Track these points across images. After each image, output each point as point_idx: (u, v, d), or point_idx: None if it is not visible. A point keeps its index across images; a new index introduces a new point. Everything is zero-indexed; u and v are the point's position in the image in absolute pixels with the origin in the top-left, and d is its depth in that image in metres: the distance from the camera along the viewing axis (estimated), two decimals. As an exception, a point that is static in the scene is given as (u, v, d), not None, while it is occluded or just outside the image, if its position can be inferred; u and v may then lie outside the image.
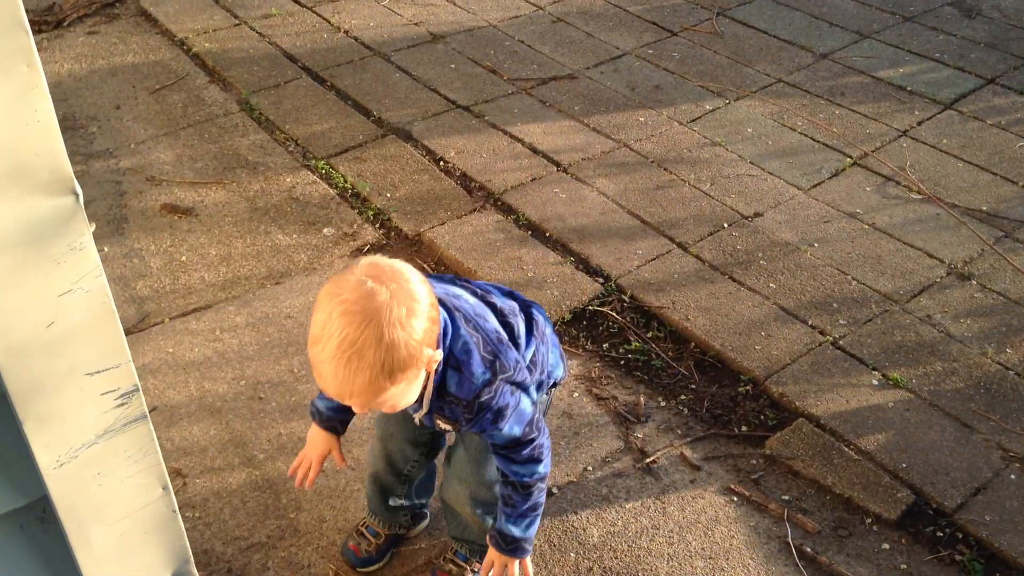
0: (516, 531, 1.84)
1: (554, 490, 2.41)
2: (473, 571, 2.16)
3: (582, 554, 2.26)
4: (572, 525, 2.32)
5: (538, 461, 1.78)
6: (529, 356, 1.81)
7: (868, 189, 3.55)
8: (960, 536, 2.32)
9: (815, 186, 3.57)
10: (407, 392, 1.55)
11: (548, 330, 1.92)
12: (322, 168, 3.62)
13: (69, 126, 3.83)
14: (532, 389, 1.76)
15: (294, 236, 3.27)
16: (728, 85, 4.21)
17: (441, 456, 2.12)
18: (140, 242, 3.22)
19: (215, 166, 3.63)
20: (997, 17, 4.88)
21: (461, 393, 1.64)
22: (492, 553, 1.89)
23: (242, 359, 2.77)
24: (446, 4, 4.94)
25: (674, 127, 3.88)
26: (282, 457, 2.47)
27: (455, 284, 1.81)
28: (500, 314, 1.77)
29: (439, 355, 1.57)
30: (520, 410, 1.70)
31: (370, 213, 3.38)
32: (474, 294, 1.78)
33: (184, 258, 3.16)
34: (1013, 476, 2.44)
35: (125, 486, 1.17)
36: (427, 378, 1.60)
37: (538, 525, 1.87)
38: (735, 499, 2.41)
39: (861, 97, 4.15)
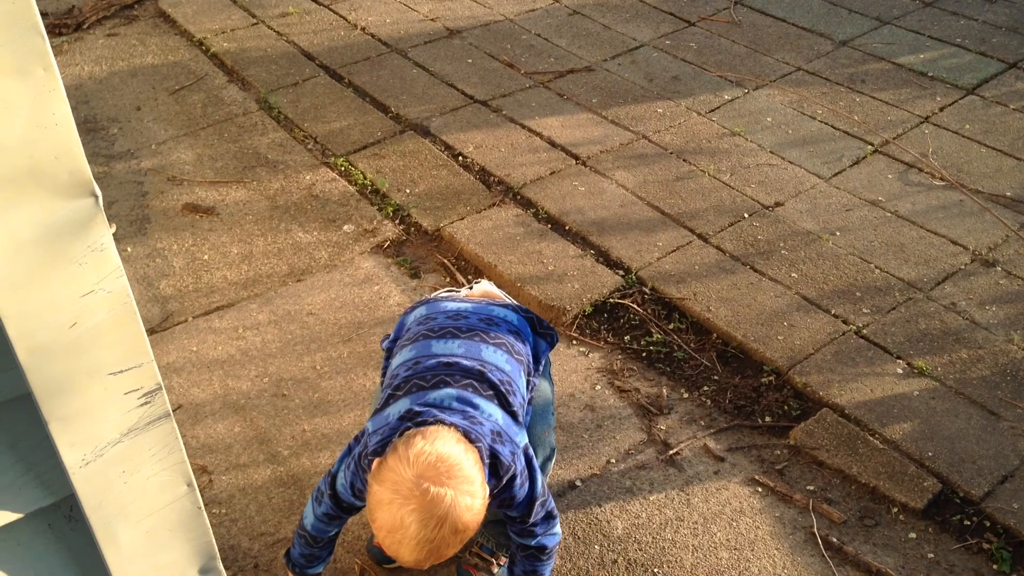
0: None
1: (577, 483, 2.41)
2: (499, 564, 2.17)
3: (607, 546, 2.26)
4: (596, 518, 2.32)
5: (554, 517, 1.86)
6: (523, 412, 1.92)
7: (890, 176, 3.52)
8: (987, 525, 2.30)
9: (836, 174, 3.54)
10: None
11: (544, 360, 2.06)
12: (341, 165, 3.63)
13: (90, 128, 3.87)
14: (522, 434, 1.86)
15: (314, 233, 3.28)
16: (747, 74, 4.19)
17: None
18: (162, 242, 3.24)
19: (235, 165, 3.65)
20: (1018, 1, 4.81)
21: (498, 481, 1.73)
22: None
23: (265, 357, 2.79)
24: (462, -1, 4.94)
25: (693, 118, 3.87)
26: (306, 453, 2.48)
27: (450, 370, 1.84)
28: (501, 397, 1.83)
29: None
30: (523, 474, 1.78)
31: (390, 209, 3.39)
32: (480, 378, 1.83)
33: (206, 257, 3.18)
34: (1041, 464, 2.42)
35: (150, 484, 1.18)
36: None
37: None
38: (759, 490, 2.40)
39: (882, 84, 4.11)
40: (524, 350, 1.97)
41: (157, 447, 1.15)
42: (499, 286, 3.04)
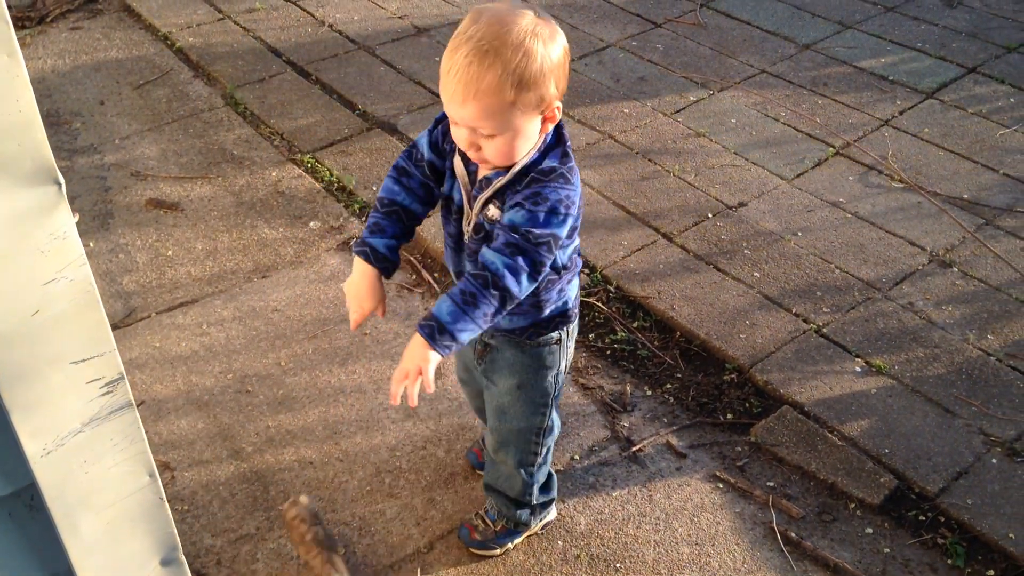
0: (443, 308, 1.61)
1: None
2: (498, 533, 2.22)
3: (569, 542, 2.27)
4: (560, 513, 2.34)
5: (517, 272, 1.60)
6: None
7: (851, 178, 3.58)
8: (942, 520, 2.35)
9: (798, 176, 3.59)
10: (519, 135, 1.58)
11: None
12: (308, 162, 3.62)
13: (53, 122, 3.82)
14: (565, 233, 1.66)
15: (280, 230, 3.27)
16: (712, 76, 4.23)
17: None
18: (126, 237, 3.21)
19: (200, 161, 3.63)
20: (978, 6, 4.90)
21: (543, 167, 1.64)
22: (409, 347, 1.65)
23: (229, 353, 2.78)
24: (430, -3, 4.95)
25: (658, 118, 3.90)
26: (270, 450, 2.47)
27: None
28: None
29: (559, 111, 1.62)
30: (554, 213, 1.61)
31: (356, 206, 3.38)
32: None
33: (170, 253, 3.16)
34: (994, 460, 2.47)
35: (112, 474, 1.18)
36: (536, 141, 1.64)
37: (467, 334, 1.63)
38: (720, 486, 2.43)
39: (843, 87, 4.17)
40: None
41: (119, 437, 1.15)
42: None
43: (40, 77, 4.13)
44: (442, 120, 1.79)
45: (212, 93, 4.06)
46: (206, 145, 3.72)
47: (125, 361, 2.70)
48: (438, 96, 3.98)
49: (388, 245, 1.78)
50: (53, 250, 1.01)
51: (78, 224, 1.03)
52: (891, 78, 4.25)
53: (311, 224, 3.30)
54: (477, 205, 1.71)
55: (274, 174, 3.56)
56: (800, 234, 3.27)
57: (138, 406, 2.53)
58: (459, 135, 1.62)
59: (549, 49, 1.54)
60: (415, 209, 1.83)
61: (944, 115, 3.98)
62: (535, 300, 1.80)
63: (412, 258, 3.15)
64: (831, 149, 3.74)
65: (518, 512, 2.18)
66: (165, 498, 1.20)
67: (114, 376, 1.11)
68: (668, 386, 2.73)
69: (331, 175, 3.54)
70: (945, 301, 2.99)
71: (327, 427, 2.55)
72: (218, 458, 2.45)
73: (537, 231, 1.60)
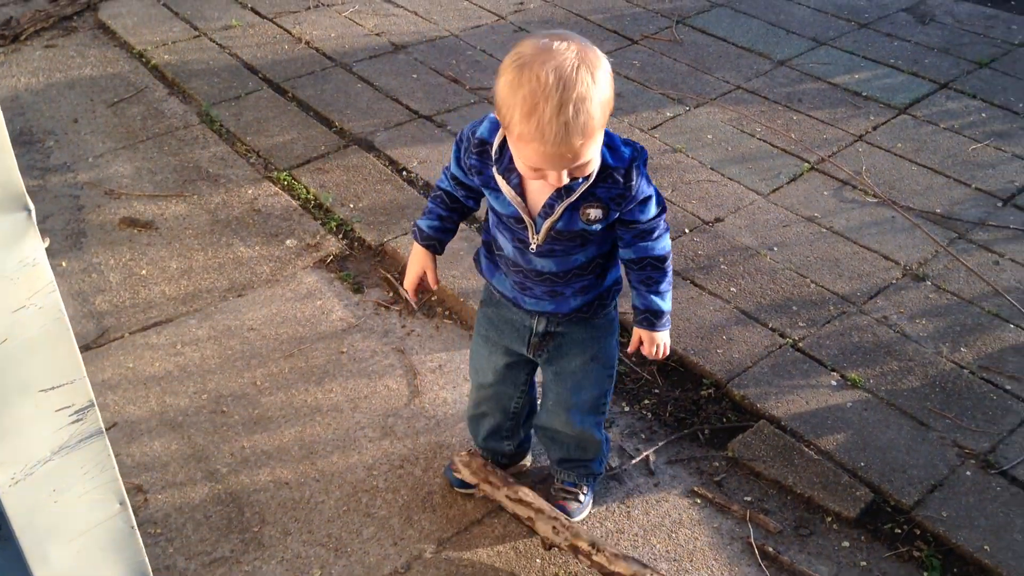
0: (664, 305, 1.99)
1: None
2: (583, 493, 2.35)
3: (548, 560, 2.27)
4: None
5: (666, 232, 1.95)
6: None
7: (825, 193, 3.60)
8: (918, 532, 2.36)
9: (774, 191, 3.61)
10: (598, 150, 1.71)
11: None
12: (284, 179, 3.61)
13: (26, 140, 3.80)
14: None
15: (256, 248, 3.26)
16: (688, 92, 4.26)
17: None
18: (99, 256, 3.19)
19: (175, 179, 3.61)
20: (950, 23, 4.97)
21: (617, 161, 1.78)
22: (641, 332, 2.03)
23: (204, 373, 2.76)
24: (408, 14, 4.95)
25: (635, 134, 3.92)
26: (245, 470, 2.46)
27: None
28: None
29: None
30: (658, 196, 1.89)
31: (333, 224, 3.37)
32: None
33: (144, 272, 3.14)
34: (969, 473, 2.49)
35: (82, 503, 1.16)
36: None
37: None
38: (698, 501, 2.44)
39: (818, 103, 4.21)
40: None
41: (89, 465, 1.14)
42: (442, 301, 3.05)
43: (13, 95, 4.11)
44: (467, 156, 1.91)
45: (187, 111, 4.05)
46: (181, 163, 3.70)
47: (97, 382, 2.69)
48: (416, 113, 4.02)
49: (432, 226, 2.08)
50: (22, 277, 1.00)
51: (49, 245, 1.02)
52: (864, 94, 4.29)
53: (287, 242, 3.29)
54: (559, 211, 1.81)
55: (250, 192, 3.54)
56: (776, 249, 3.29)
57: (111, 428, 2.52)
58: (554, 175, 1.69)
59: (601, 62, 1.62)
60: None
61: (917, 130, 4.02)
62: (602, 271, 2.00)
63: (390, 276, 3.15)
64: (806, 164, 3.77)
65: (593, 466, 2.34)
66: (136, 526, 1.19)
67: (84, 404, 1.10)
68: (646, 402, 2.73)
69: (308, 192, 3.54)
70: (919, 315, 3.02)
71: (303, 447, 2.54)
72: (192, 480, 2.43)
73: (657, 214, 1.90)
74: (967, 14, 5.07)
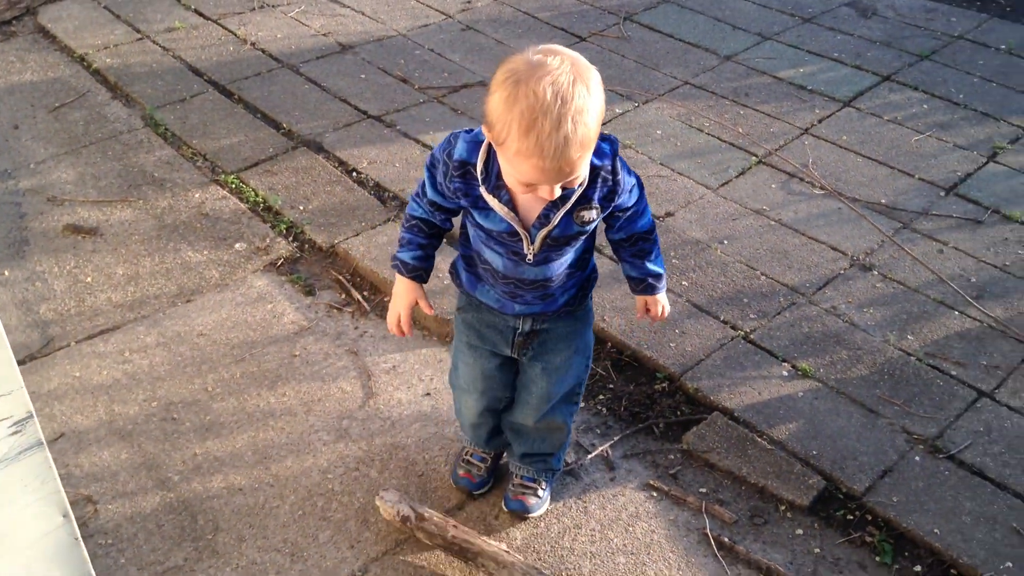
0: (660, 268, 2.09)
1: (476, 493, 2.41)
2: (542, 488, 2.37)
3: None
4: (495, 529, 2.33)
5: (648, 206, 2.01)
6: None
7: (773, 186, 3.64)
8: (869, 518, 2.40)
9: (723, 185, 3.65)
10: (589, 161, 1.72)
11: None
12: (232, 182, 3.57)
13: (-36, 148, 3.71)
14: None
15: (205, 252, 3.22)
16: (636, 88, 4.28)
17: None
18: (43, 264, 3.13)
19: (120, 184, 3.55)
20: (892, 16, 5.05)
21: (604, 160, 1.80)
22: (645, 299, 2.14)
23: (153, 380, 2.72)
24: (355, 14, 4.92)
25: (584, 131, 3.92)
26: (197, 478, 2.42)
27: None
28: None
29: None
30: (636, 177, 1.92)
31: (283, 226, 3.34)
32: None
33: (89, 279, 3.08)
34: (917, 458, 2.53)
35: (24, 515, 1.14)
36: None
37: None
38: (654, 494, 2.45)
39: (764, 97, 4.26)
40: None
41: (30, 477, 1.11)
42: (430, 304, 3.02)
43: (-50, 101, 4.01)
44: (441, 178, 1.89)
45: (131, 114, 3.98)
46: (125, 168, 3.64)
47: (43, 392, 2.64)
48: (365, 113, 3.99)
49: (416, 256, 2.07)
50: (-49, 286, 0.97)
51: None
52: (810, 88, 4.35)
53: (236, 246, 3.25)
54: (556, 220, 1.81)
55: (197, 196, 3.50)
56: (726, 242, 3.32)
57: (58, 439, 2.47)
58: (547, 190, 1.68)
59: (592, 74, 1.61)
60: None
61: (861, 123, 4.08)
62: (585, 260, 2.03)
63: (341, 277, 3.12)
64: (754, 158, 3.81)
65: (553, 461, 2.36)
66: (80, 538, 1.17)
67: (23, 415, 1.07)
68: (600, 397, 2.74)
69: (256, 195, 3.50)
70: (866, 304, 3.06)
71: (256, 452, 2.51)
72: (143, 489, 2.39)
73: (641, 196, 1.97)
74: (908, 7, 5.16)
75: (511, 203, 1.80)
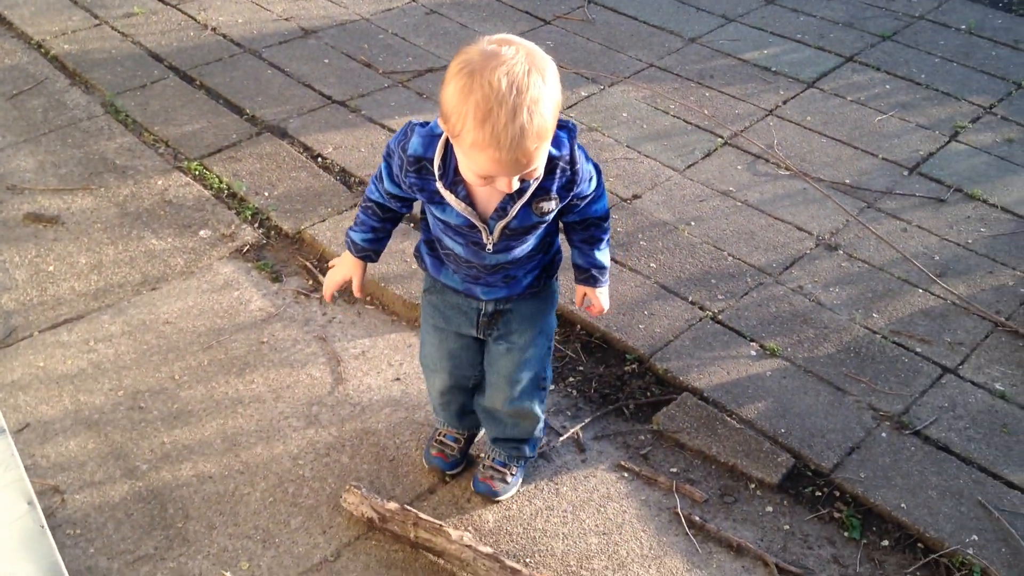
0: (606, 260, 2.09)
1: (447, 477, 2.41)
2: (512, 474, 2.37)
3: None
4: (467, 511, 2.33)
5: (605, 192, 1.99)
6: None
7: (739, 167, 3.66)
8: (838, 494, 2.42)
9: (689, 167, 3.66)
10: (547, 151, 1.69)
11: None
12: (195, 169, 3.52)
13: (-81, 136, 3.63)
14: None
15: (169, 240, 3.18)
16: (602, 71, 4.28)
17: None
18: (3, 254, 3.07)
19: (80, 172, 3.49)
20: (853, -2, 5.09)
21: (562, 150, 1.78)
22: (586, 289, 2.14)
23: (119, 369, 2.68)
24: (317, -2, 4.87)
25: (551, 114, 3.92)
26: (166, 466, 2.40)
27: None
28: None
29: None
30: (594, 164, 1.92)
31: (248, 213, 3.31)
32: None
33: (51, 268, 3.03)
34: (884, 434, 2.56)
35: (-12, 504, 1.12)
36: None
37: None
38: (625, 475, 2.46)
39: (729, 79, 4.27)
40: None
41: (-6, 464, 1.10)
42: (362, 287, 3.01)
43: (-97, 89, 3.92)
44: (398, 170, 1.88)
45: (91, 101, 3.92)
46: (86, 155, 3.58)
47: (7, 383, 2.60)
48: (329, 99, 3.96)
49: (366, 238, 2.09)
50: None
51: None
52: (774, 69, 4.37)
53: (201, 232, 3.21)
54: (513, 212, 1.80)
55: (160, 183, 3.45)
56: (693, 224, 3.33)
57: (23, 429, 2.43)
58: (504, 182, 1.66)
59: (548, 64, 1.59)
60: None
61: (825, 103, 4.11)
62: (548, 244, 2.03)
63: (308, 263, 3.10)
64: (719, 140, 3.83)
65: (526, 448, 2.36)
66: (46, 525, 1.15)
67: (-15, 400, 1.05)
68: (571, 379, 2.75)
69: (220, 182, 3.46)
70: (832, 283, 3.09)
71: (226, 439, 2.49)
72: (111, 478, 2.36)
73: (599, 183, 1.95)
74: (870, -11, 5.20)
75: (468, 198, 1.79)
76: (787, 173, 3.63)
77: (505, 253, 1.91)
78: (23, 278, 2.98)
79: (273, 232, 3.24)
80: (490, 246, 1.87)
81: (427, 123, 1.83)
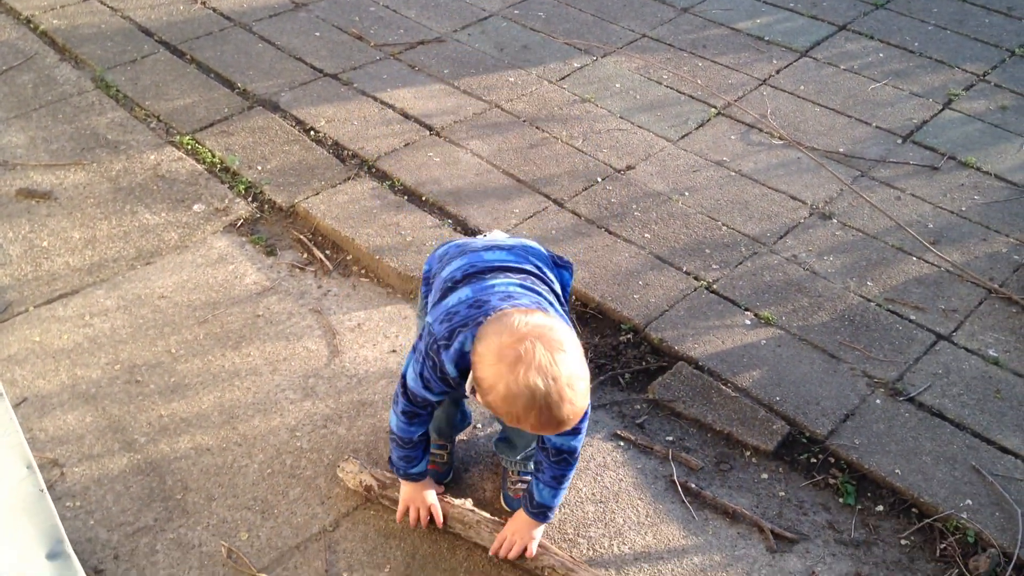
0: (559, 501, 2.08)
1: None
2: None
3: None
4: (466, 481, 2.34)
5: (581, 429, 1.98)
6: None
7: (733, 137, 3.66)
8: (832, 461, 2.44)
9: (683, 137, 3.65)
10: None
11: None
12: (188, 144, 3.51)
13: (-92, 112, 3.61)
14: None
15: (162, 214, 3.17)
16: (594, 42, 4.26)
17: None
18: (-4, 230, 3.07)
19: (72, 147, 3.47)
20: (846, -33, 5.06)
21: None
22: (521, 525, 2.10)
23: (115, 343, 2.68)
24: (307, -29, 4.83)
25: (544, 86, 3.91)
26: (164, 439, 2.40)
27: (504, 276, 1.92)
28: (555, 294, 1.98)
29: None
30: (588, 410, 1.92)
31: (241, 187, 3.30)
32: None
33: (45, 243, 3.02)
34: (878, 401, 2.58)
35: (-12, 470, 1.12)
36: None
37: None
38: (622, 444, 2.47)
39: (722, 48, 4.26)
40: (556, 274, 2.06)
41: (-7, 431, 1.10)
42: (357, 259, 3.02)
43: None
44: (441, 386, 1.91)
45: (81, 76, 3.89)
46: (77, 130, 3.56)
47: (4, 358, 2.60)
48: (321, 72, 3.94)
49: (423, 467, 2.13)
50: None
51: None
52: (767, 38, 4.35)
53: (195, 207, 3.20)
54: None
55: (152, 157, 3.43)
56: (687, 194, 3.33)
57: (20, 403, 2.44)
58: None
59: (567, 346, 1.69)
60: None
61: (818, 72, 4.10)
62: None
63: (302, 237, 3.10)
64: (713, 110, 3.82)
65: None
66: (45, 488, 1.15)
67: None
68: (566, 350, 2.75)
69: (213, 156, 3.44)
70: (826, 251, 3.10)
71: (223, 412, 2.49)
72: (109, 451, 2.37)
73: (586, 421, 1.95)
74: (863, -42, 5.17)
75: None
76: (781, 142, 3.63)
77: None
78: (17, 254, 2.98)
79: (267, 206, 3.24)
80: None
81: (449, 345, 1.81)
